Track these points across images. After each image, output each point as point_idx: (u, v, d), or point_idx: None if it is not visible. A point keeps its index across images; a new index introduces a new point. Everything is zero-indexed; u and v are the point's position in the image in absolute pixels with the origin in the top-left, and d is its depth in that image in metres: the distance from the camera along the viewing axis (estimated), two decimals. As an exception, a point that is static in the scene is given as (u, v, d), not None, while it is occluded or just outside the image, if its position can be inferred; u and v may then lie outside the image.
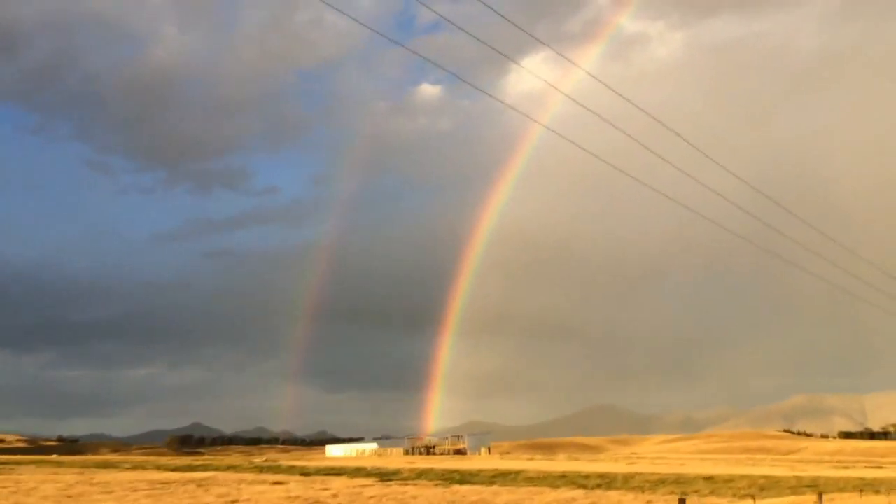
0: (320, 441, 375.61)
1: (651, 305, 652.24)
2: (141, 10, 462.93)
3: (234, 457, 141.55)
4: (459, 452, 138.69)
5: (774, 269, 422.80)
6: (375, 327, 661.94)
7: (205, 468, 71.59)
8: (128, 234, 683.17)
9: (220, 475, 54.77)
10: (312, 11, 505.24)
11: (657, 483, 46.12)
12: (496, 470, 61.91)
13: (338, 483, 44.64)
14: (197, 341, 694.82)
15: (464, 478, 50.14)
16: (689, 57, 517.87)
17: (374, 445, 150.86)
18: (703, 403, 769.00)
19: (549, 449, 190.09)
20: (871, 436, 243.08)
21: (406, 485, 43.23)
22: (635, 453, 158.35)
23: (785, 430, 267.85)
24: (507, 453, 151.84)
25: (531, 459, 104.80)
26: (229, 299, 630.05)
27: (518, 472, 56.41)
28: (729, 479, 49.16)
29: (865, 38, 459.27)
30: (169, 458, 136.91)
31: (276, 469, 67.25)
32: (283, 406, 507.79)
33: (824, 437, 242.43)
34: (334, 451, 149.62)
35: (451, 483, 45.13)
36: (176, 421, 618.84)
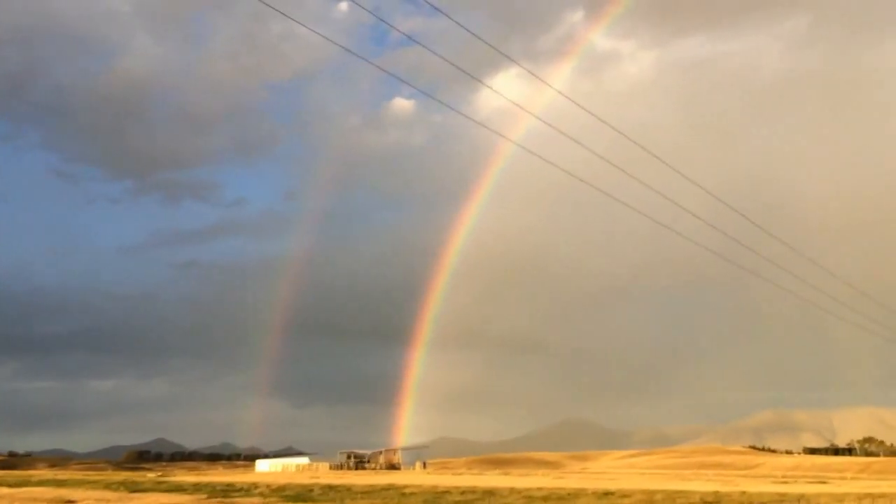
0: (286, 455, 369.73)
1: (622, 320, 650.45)
2: (112, 22, 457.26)
3: (152, 473, 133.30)
4: (393, 467, 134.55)
5: (744, 284, 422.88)
6: (345, 342, 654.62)
7: (62, 484, 64.55)
8: (95, 245, 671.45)
9: (50, 491, 48.11)
10: (285, 24, 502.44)
11: (545, 497, 40.98)
12: (391, 485, 55.97)
13: (166, 499, 38.31)
14: (164, 354, 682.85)
15: (336, 495, 43.98)
16: (659, 75, 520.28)
17: (305, 460, 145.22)
18: (673, 418, 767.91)
19: (504, 464, 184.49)
20: (836, 452, 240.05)
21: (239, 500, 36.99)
22: (586, 468, 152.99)
23: (750, 446, 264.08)
24: (446, 467, 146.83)
25: (461, 475, 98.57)
26: (197, 311, 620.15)
27: (404, 487, 50.39)
28: (627, 495, 43.62)
29: (831, 61, 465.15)
30: (99, 473, 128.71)
31: (140, 486, 60.57)
32: (250, 421, 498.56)
33: (789, 452, 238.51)
34: (262, 466, 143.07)
35: (302, 501, 39.04)
36: (139, 436, 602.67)
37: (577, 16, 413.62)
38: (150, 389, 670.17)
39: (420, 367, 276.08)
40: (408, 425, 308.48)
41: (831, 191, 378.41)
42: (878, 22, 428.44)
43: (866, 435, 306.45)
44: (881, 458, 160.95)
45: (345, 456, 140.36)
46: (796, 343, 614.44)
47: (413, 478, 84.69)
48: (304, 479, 73.19)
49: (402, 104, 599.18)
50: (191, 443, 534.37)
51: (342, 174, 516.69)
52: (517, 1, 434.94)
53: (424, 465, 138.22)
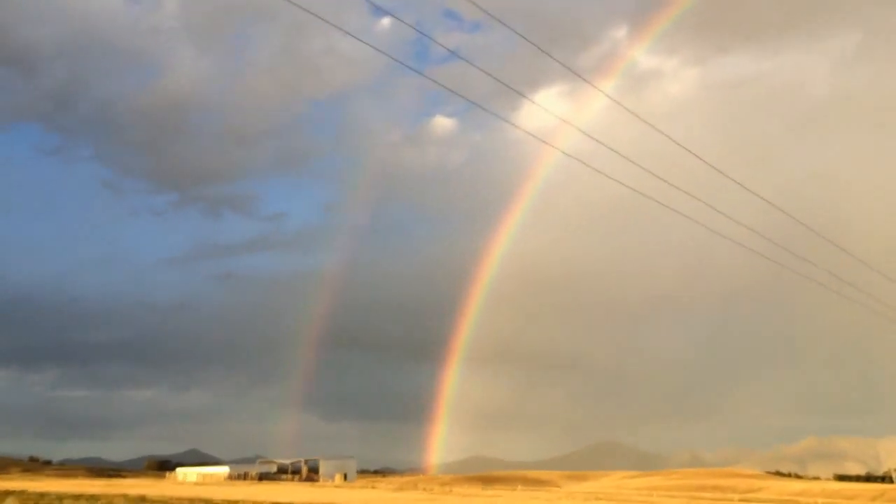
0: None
1: (659, 338, 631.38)
2: (157, 37, 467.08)
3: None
4: (311, 479, 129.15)
5: (788, 303, 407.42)
6: (379, 357, 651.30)
7: None
8: (137, 256, 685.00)
9: None
10: (326, 40, 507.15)
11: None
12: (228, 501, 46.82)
13: None
14: (200, 365, 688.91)
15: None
16: (702, 93, 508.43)
17: (226, 469, 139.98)
18: (711, 443, 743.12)
19: (495, 482, 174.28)
20: (867, 479, 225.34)
21: None
22: (554, 488, 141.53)
23: (775, 472, 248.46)
24: (374, 482, 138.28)
25: (373, 488, 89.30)
26: (234, 323, 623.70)
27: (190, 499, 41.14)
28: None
29: (880, 80, 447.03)
30: (69, 480, 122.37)
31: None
32: (282, 433, 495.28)
33: (816, 478, 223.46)
34: (183, 476, 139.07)
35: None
36: (174, 446, 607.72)
37: (621, 32, 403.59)
38: (185, 400, 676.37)
39: (454, 384, 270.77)
40: (441, 443, 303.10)
41: (876, 212, 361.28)
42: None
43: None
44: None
45: (262, 465, 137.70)
46: (841, 367, 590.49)
47: (285, 491, 74.38)
48: (175, 491, 64.64)
49: (443, 122, 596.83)
50: (224, 454, 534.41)
51: (381, 190, 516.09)
52: (557, 16, 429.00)
53: (345, 478, 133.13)
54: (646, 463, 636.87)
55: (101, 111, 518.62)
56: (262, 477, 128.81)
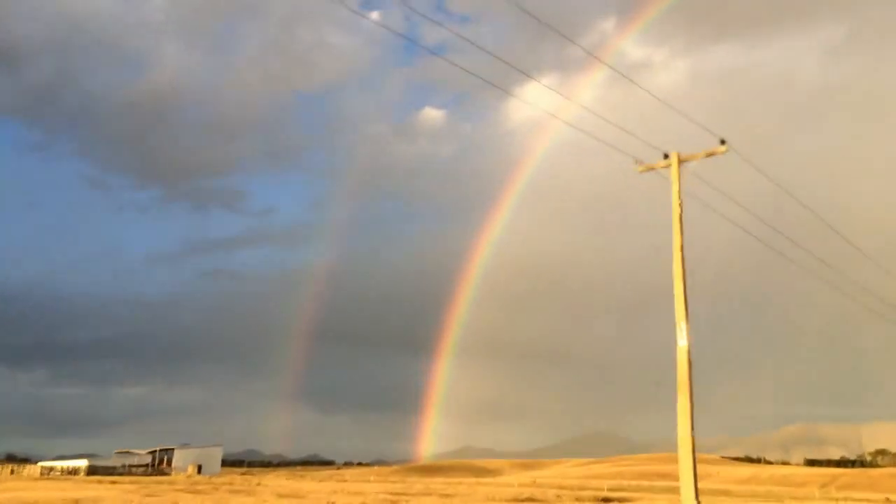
0: (312, 463, 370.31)
1: (648, 332, 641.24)
2: (143, 31, 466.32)
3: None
4: (161, 472, 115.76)
5: (774, 294, 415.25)
6: (371, 351, 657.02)
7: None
8: (123, 253, 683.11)
9: None
10: (314, 33, 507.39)
11: None
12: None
13: None
14: (191, 361, 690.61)
15: None
16: (692, 84, 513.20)
17: (83, 462, 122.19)
18: (699, 431, 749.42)
19: (437, 472, 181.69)
20: (838, 464, 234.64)
21: None
22: (496, 478, 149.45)
23: (744, 457, 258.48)
24: (287, 475, 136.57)
25: (229, 483, 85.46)
26: (224, 319, 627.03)
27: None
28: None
29: (869, 70, 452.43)
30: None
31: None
32: (276, 428, 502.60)
33: (785, 463, 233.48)
34: (35, 470, 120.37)
35: None
36: (166, 442, 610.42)
37: (609, 23, 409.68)
38: (177, 396, 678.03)
39: (446, 376, 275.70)
40: (433, 434, 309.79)
41: (866, 201, 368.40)
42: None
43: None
44: (857, 471, 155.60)
45: (120, 456, 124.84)
46: (827, 355, 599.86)
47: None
48: None
49: (432, 114, 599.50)
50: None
51: (370, 184, 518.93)
52: (547, 8, 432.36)
53: (200, 470, 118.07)
54: (636, 450, 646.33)
55: (85, 106, 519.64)
56: (99, 471, 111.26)
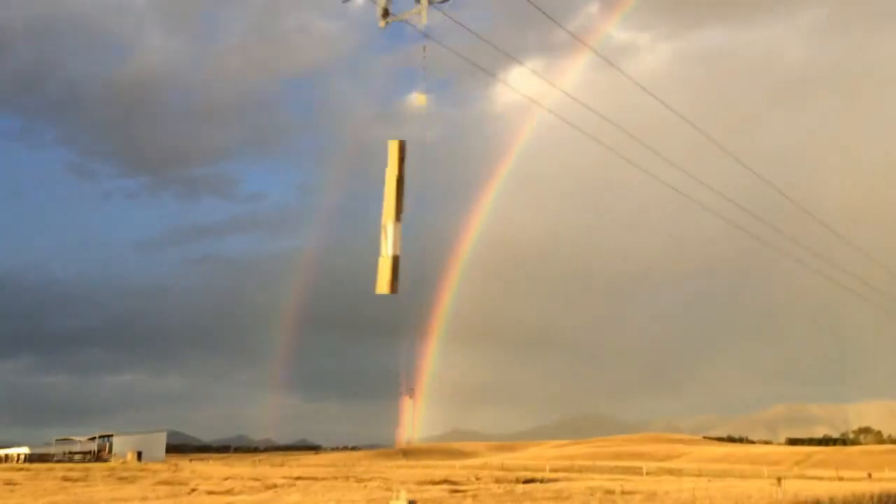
0: (298, 448, 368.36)
1: (636, 314, 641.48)
2: (125, 17, 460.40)
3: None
4: (101, 459, 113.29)
5: (761, 274, 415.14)
6: (358, 336, 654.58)
7: None
8: (111, 240, 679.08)
9: None
10: (299, 19, 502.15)
11: None
12: None
13: None
14: (179, 348, 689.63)
15: None
16: (677, 66, 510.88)
17: (25, 450, 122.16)
18: (688, 411, 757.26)
19: (415, 455, 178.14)
20: (820, 442, 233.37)
21: None
22: (462, 461, 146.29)
23: (724, 436, 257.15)
24: (259, 460, 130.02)
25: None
26: (212, 306, 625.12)
27: None
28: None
29: (850, 51, 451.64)
30: None
31: None
32: (264, 414, 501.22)
33: (767, 442, 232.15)
34: None
35: None
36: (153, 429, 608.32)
37: (593, 7, 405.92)
38: (165, 383, 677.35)
39: (434, 361, 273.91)
40: (422, 418, 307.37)
41: (849, 180, 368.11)
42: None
43: (880, 428, 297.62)
44: (833, 448, 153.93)
45: (61, 444, 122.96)
46: (814, 335, 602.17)
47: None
48: None
49: (418, 98, 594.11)
50: (207, 436, 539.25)
51: (357, 168, 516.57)
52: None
53: (140, 457, 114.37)
54: (622, 432, 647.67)
55: (68, 92, 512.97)
56: (36, 458, 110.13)
